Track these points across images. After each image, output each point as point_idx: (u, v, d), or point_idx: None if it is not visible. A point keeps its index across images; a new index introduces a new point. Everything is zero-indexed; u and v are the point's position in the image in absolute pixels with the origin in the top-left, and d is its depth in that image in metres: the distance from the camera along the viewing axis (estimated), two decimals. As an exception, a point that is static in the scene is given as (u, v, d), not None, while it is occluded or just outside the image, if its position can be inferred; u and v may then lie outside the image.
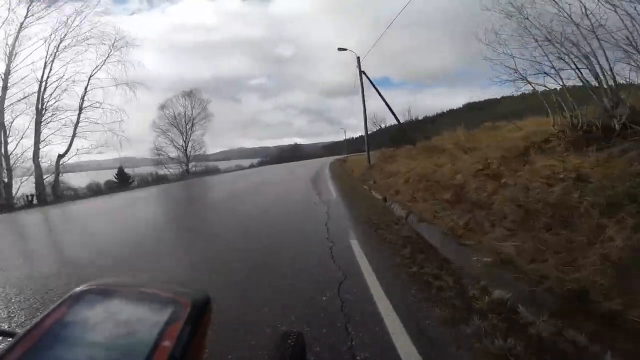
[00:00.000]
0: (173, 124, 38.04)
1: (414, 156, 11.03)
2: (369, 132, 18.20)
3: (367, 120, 17.59)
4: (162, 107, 38.50)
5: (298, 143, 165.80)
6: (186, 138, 39.31)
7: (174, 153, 39.43)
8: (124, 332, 0.40)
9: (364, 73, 16.29)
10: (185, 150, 39.57)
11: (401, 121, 19.33)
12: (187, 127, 39.13)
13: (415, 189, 6.35)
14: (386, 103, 17.08)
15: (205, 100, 41.05)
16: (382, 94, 16.88)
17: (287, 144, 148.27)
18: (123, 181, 46.17)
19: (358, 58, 16.43)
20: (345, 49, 16.66)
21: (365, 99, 16.60)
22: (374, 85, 16.96)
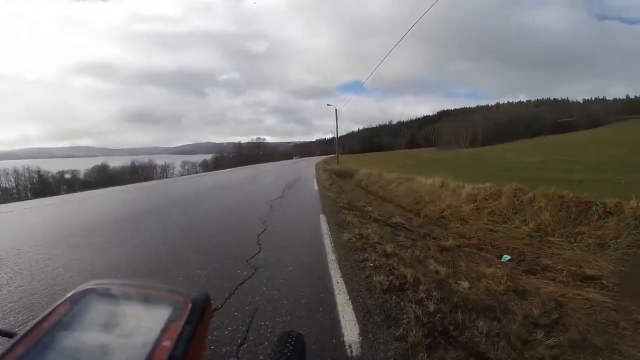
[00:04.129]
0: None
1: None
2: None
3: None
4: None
5: (265, 140, 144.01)
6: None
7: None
8: (124, 331, 0.40)
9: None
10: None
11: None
12: None
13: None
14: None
15: None
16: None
17: (259, 142, 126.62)
18: None
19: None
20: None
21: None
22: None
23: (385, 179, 12.33)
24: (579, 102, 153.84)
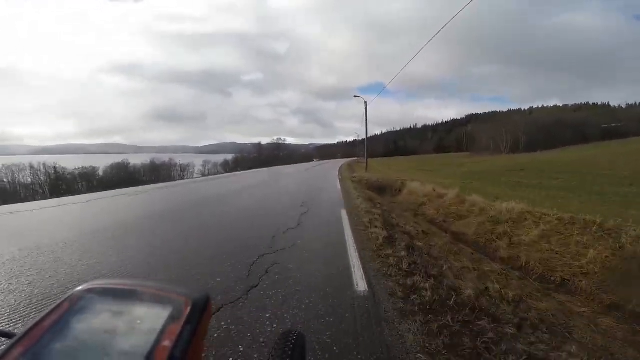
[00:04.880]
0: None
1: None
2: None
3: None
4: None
5: (286, 141, 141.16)
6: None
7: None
8: (124, 332, 0.40)
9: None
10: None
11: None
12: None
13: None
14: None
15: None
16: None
17: (280, 142, 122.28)
18: None
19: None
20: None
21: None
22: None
23: (480, 206, 6.58)
24: (622, 107, 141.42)
